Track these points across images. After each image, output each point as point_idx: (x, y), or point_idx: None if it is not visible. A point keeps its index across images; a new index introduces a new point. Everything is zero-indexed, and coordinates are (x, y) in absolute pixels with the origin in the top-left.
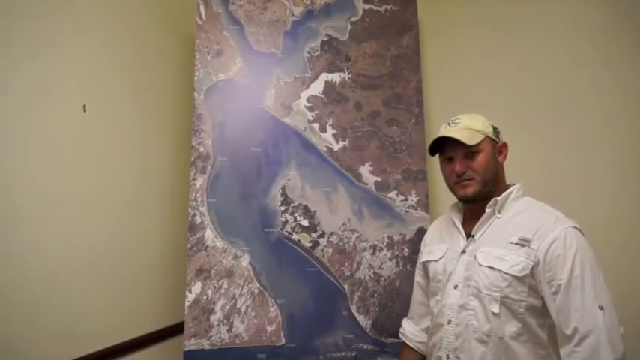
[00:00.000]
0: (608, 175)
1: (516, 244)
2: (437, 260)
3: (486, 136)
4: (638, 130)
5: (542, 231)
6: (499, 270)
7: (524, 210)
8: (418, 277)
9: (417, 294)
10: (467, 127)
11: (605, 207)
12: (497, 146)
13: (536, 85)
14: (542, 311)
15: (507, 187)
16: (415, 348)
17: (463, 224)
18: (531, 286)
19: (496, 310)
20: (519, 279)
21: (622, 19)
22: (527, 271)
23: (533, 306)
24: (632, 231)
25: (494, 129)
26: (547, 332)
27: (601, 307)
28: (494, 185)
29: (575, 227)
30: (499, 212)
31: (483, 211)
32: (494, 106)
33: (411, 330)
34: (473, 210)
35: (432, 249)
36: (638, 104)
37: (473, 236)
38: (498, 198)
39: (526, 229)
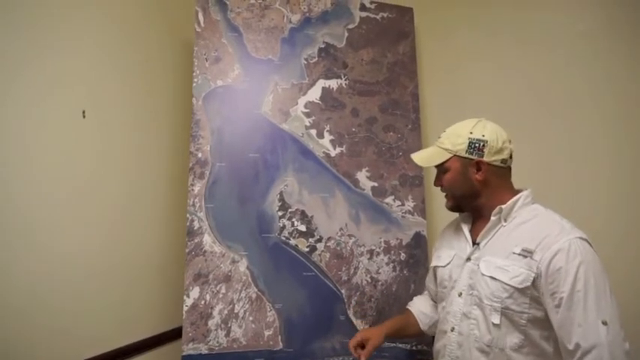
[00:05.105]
0: (606, 179)
1: (519, 254)
2: (444, 266)
3: (454, 155)
4: (635, 133)
5: (546, 242)
6: (500, 281)
7: (530, 218)
8: (428, 282)
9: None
10: (439, 145)
11: (602, 208)
12: (471, 163)
13: (532, 90)
14: (546, 323)
15: (516, 192)
16: (415, 314)
17: (471, 230)
18: (533, 297)
19: (496, 321)
20: (520, 290)
21: (618, 24)
22: (529, 283)
23: (536, 318)
24: (630, 232)
25: (477, 144)
26: (552, 345)
27: (604, 323)
28: (473, 200)
29: (581, 238)
30: (505, 220)
31: (489, 217)
32: (491, 111)
33: (418, 301)
34: (480, 216)
35: (440, 254)
36: (634, 107)
37: (478, 244)
38: (503, 206)
39: (530, 239)
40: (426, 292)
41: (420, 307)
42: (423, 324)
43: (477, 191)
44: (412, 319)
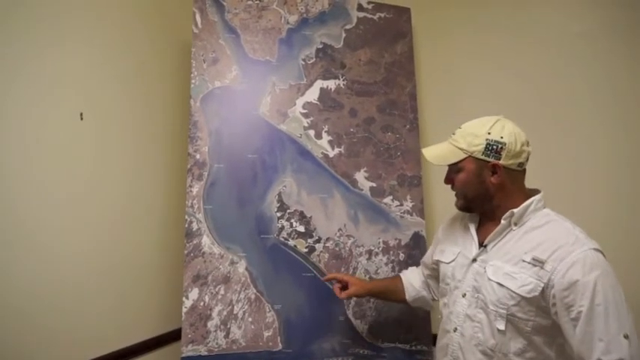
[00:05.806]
0: (606, 179)
1: (529, 262)
2: (447, 263)
3: (469, 156)
4: (635, 133)
5: (560, 253)
6: (507, 288)
7: (542, 225)
8: (424, 262)
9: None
10: (453, 142)
11: (602, 208)
12: (487, 165)
13: (531, 91)
14: (550, 330)
15: (529, 195)
16: (404, 283)
17: (478, 229)
18: (540, 307)
19: (501, 327)
20: (528, 299)
21: (618, 24)
22: (537, 293)
23: (541, 325)
24: (630, 232)
25: (495, 146)
26: (555, 349)
27: (626, 336)
28: (485, 203)
29: (595, 249)
30: (515, 224)
31: (498, 220)
32: (489, 111)
33: (410, 273)
34: (489, 218)
35: (444, 248)
36: (634, 107)
37: (485, 246)
38: (515, 210)
39: (542, 248)
40: (420, 267)
41: (410, 278)
42: (409, 295)
43: (490, 194)
44: (400, 287)
